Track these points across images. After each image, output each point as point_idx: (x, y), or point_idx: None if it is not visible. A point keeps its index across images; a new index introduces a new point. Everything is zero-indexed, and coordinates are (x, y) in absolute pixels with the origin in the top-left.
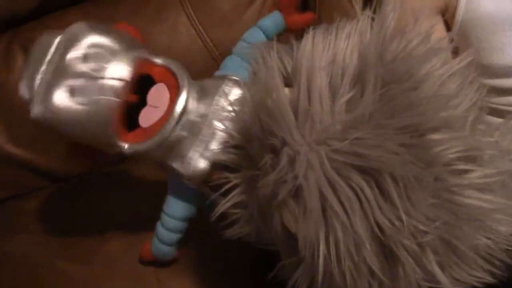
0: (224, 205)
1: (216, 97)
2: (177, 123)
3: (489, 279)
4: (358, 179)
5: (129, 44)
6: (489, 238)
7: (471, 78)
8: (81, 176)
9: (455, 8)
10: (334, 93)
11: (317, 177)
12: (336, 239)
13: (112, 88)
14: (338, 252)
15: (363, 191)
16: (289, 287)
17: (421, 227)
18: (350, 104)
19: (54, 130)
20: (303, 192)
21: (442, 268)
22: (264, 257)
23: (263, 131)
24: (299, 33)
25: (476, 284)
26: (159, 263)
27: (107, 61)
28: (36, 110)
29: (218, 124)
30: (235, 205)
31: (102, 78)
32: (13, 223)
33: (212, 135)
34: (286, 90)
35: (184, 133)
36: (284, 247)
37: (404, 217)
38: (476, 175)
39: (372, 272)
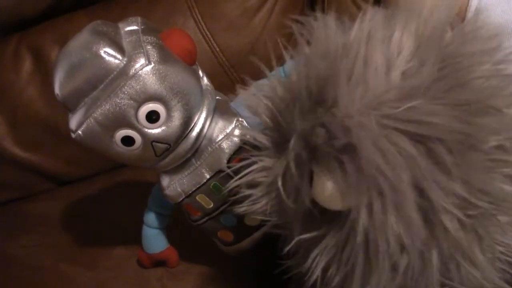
0: (237, 181)
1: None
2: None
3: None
4: (409, 146)
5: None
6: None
7: None
8: (87, 179)
9: (464, 19)
10: (390, 65)
11: (368, 141)
12: (380, 206)
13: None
14: (383, 220)
15: (414, 158)
16: (307, 265)
17: (473, 200)
18: (406, 76)
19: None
20: (351, 155)
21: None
22: (269, 261)
23: (311, 94)
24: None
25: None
26: (154, 261)
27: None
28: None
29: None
30: (247, 185)
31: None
32: (18, 225)
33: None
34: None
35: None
36: (305, 221)
37: (458, 185)
38: None
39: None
